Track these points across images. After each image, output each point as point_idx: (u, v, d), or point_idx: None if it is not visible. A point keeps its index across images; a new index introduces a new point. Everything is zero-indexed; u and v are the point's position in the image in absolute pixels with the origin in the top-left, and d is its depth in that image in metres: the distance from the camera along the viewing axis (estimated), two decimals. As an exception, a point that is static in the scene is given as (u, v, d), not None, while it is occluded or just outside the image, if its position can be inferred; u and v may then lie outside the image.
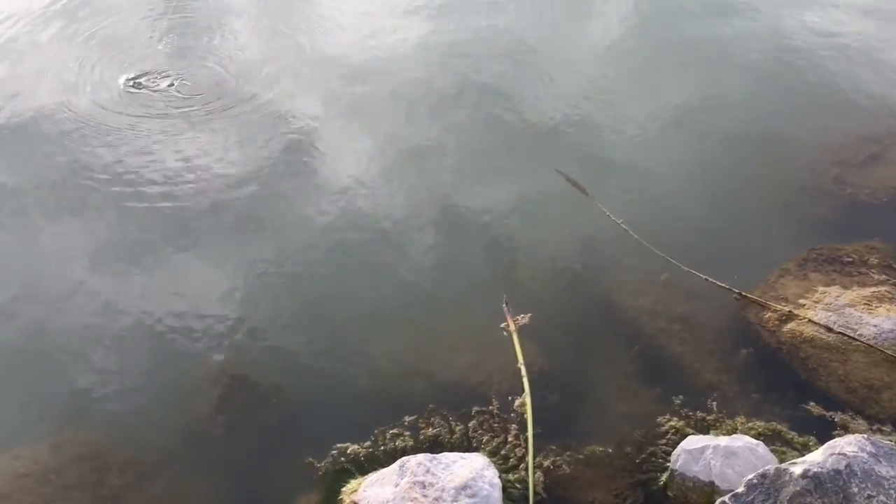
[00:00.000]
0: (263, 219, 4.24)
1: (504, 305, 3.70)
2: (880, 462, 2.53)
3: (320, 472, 3.10)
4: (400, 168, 4.54)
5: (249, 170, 4.52)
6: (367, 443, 3.19)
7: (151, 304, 3.78)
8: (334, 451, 3.15)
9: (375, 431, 3.23)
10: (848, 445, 2.58)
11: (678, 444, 3.10)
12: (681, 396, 3.38)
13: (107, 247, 4.07)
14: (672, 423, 3.28)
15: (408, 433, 3.23)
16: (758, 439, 3.05)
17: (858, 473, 2.49)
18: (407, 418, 3.29)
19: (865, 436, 2.66)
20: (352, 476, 3.08)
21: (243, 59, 5.47)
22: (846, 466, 2.51)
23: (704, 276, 3.84)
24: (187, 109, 4.98)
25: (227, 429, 3.30)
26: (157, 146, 4.69)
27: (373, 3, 6.15)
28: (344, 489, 3.02)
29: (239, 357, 3.56)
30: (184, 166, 4.55)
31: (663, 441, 3.22)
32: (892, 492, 2.45)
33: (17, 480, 3.08)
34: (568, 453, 3.19)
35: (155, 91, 5.13)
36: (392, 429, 3.24)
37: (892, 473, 2.50)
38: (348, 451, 3.16)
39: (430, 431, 3.25)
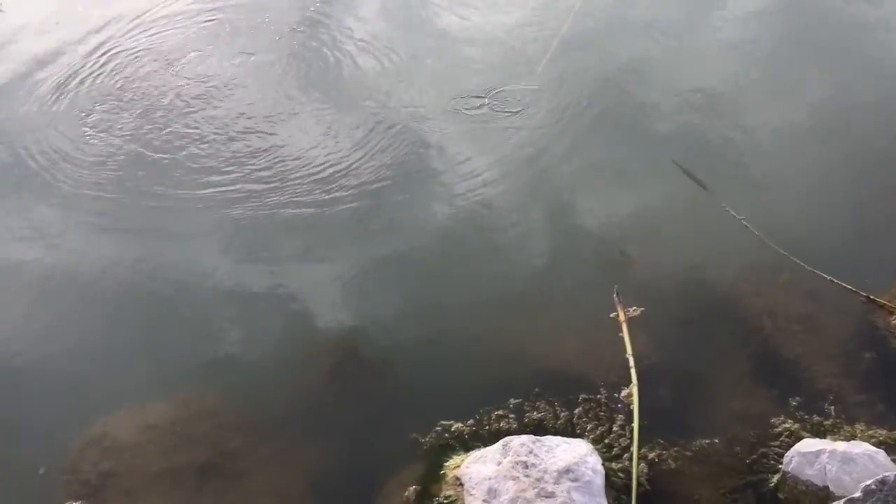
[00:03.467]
0: (383, 207, 4.34)
1: (615, 296, 3.67)
2: None
3: (424, 447, 3.17)
4: (516, 162, 4.54)
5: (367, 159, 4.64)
6: (472, 422, 3.24)
7: (277, 282, 3.94)
8: (439, 428, 3.22)
9: (480, 411, 3.27)
10: (979, 457, 2.43)
11: (792, 446, 3.01)
12: (797, 399, 3.26)
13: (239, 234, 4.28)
14: (787, 426, 3.17)
15: (512, 416, 3.26)
16: (878, 447, 2.92)
17: None
18: (512, 401, 3.31)
19: None
20: (455, 452, 3.14)
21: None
22: (976, 479, 2.37)
23: (830, 278, 3.68)
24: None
25: (338, 399, 3.42)
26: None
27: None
28: (447, 464, 3.09)
29: (353, 333, 3.67)
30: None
31: (776, 443, 3.12)
32: None
33: (146, 431, 3.30)
34: (675, 448, 3.14)
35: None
36: (497, 410, 3.28)
37: None
38: (453, 429, 3.22)
39: (535, 415, 3.27)
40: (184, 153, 4.59)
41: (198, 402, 3.41)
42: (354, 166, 4.50)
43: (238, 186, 4.38)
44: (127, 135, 4.73)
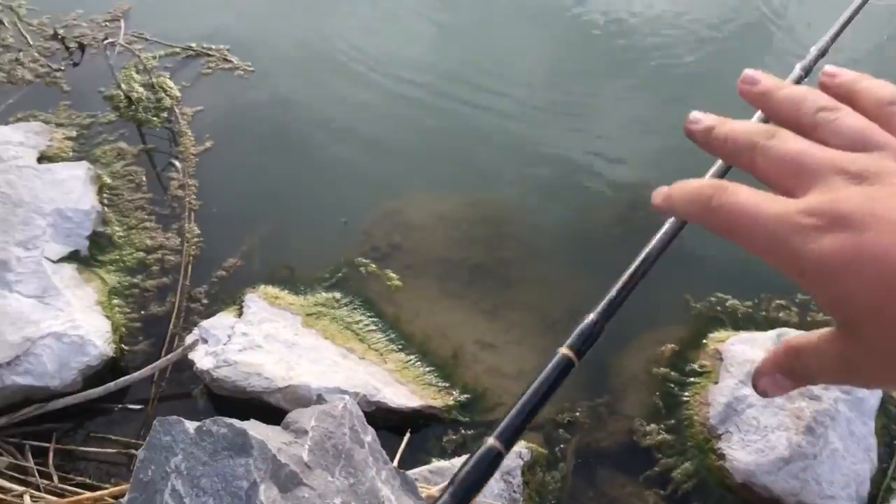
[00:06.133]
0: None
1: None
2: None
3: (693, 312, 3.10)
4: None
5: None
6: (749, 303, 3.09)
7: (594, 123, 3.94)
8: (713, 298, 3.12)
9: (762, 295, 3.11)
10: None
11: None
12: None
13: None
14: None
15: (795, 309, 3.07)
16: None
17: None
18: (800, 296, 3.10)
19: None
20: (723, 327, 3.04)
21: None
22: None
23: None
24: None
25: (619, 243, 3.40)
26: None
27: None
28: (711, 335, 3.01)
29: (649, 185, 3.59)
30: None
31: None
32: None
33: (436, 219, 3.52)
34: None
35: None
36: (780, 299, 3.09)
37: None
38: (727, 304, 3.10)
39: (820, 317, 3.04)
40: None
41: (489, 207, 3.56)
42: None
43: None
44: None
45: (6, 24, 4.15)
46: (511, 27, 4.51)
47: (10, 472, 2.58)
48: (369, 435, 2.04)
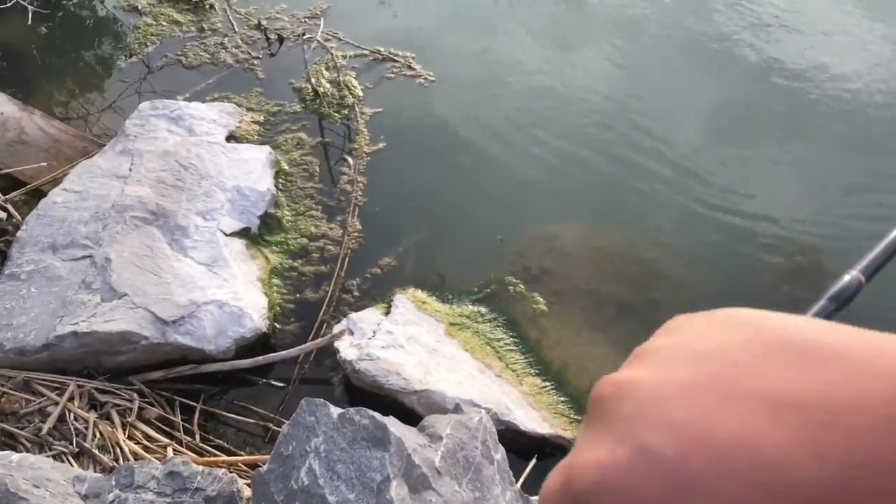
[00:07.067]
0: None
1: None
2: None
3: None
4: None
5: None
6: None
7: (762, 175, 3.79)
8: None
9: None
10: None
11: None
12: None
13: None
14: None
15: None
16: None
17: None
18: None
19: None
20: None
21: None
22: None
23: None
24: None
25: (777, 304, 3.25)
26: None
27: None
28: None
29: (821, 240, 3.43)
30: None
31: None
32: None
33: (590, 250, 3.49)
34: None
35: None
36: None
37: None
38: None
39: None
40: None
41: (646, 247, 3.49)
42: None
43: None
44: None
45: (217, 9, 4.47)
46: (689, 75, 4.41)
47: (158, 423, 2.76)
48: (499, 453, 2.03)
